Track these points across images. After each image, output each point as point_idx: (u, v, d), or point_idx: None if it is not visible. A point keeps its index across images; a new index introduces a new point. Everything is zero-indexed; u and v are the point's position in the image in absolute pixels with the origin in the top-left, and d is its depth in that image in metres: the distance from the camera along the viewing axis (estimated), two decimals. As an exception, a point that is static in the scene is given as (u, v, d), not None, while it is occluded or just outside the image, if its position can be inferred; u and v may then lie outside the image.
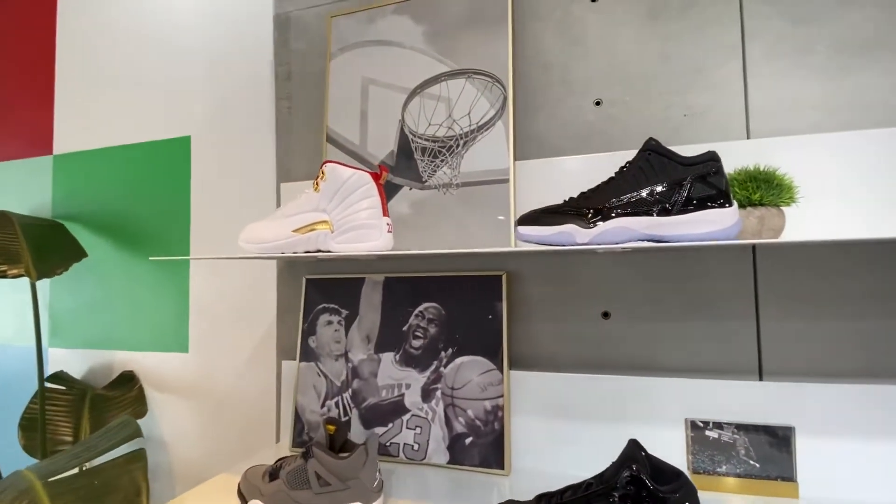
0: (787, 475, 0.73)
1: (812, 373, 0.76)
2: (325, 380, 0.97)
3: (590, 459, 0.82)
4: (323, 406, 0.96)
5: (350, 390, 0.95)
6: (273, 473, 0.70)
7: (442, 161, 0.92)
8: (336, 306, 0.99)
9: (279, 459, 0.74)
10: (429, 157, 0.93)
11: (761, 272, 0.78)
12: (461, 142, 0.91)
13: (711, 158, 0.53)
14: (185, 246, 1.24)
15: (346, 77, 1.02)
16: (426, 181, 0.92)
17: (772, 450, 0.74)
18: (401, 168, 0.95)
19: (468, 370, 0.88)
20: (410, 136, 0.95)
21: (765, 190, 0.62)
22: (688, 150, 0.81)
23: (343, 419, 0.94)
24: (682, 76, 0.84)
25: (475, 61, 0.92)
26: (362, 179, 0.64)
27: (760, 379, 0.78)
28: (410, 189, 0.94)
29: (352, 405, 0.94)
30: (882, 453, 0.70)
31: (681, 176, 0.51)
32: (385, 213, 0.65)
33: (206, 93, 1.24)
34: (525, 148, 0.91)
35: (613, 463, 0.55)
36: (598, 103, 0.88)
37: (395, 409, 0.91)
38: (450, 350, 0.90)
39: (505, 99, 0.89)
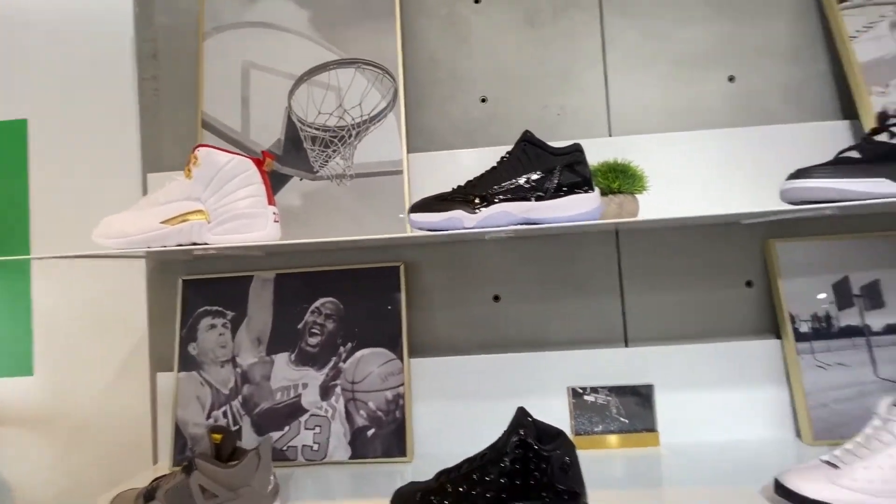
0: (649, 426, 0.85)
1: (667, 337, 0.88)
2: (210, 389, 0.89)
3: (489, 435, 0.86)
4: (209, 417, 0.88)
5: (240, 397, 0.88)
6: (148, 495, 0.62)
7: (334, 151, 0.89)
8: (220, 308, 0.91)
9: (155, 479, 0.66)
10: (320, 146, 0.90)
11: (624, 253, 0.90)
12: (354, 132, 0.89)
13: (576, 149, 0.59)
14: (24, 245, 1.04)
15: (223, 59, 0.94)
16: (318, 171, 0.89)
17: (637, 406, 0.85)
18: (289, 157, 0.90)
19: (368, 362, 0.87)
20: (299, 125, 0.91)
21: (622, 180, 0.71)
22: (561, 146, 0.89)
23: (233, 428, 0.87)
24: (555, 79, 0.92)
25: (365, 52, 0.91)
26: (242, 165, 0.60)
27: (626, 345, 0.89)
28: (301, 180, 0.90)
29: (242, 413, 0.87)
30: (722, 399, 0.85)
31: (552, 165, 0.57)
32: (271, 201, 0.62)
33: (46, 70, 1.05)
34: (417, 141, 0.93)
35: (504, 431, 0.58)
36: (483, 100, 0.93)
37: (291, 412, 0.87)
38: (349, 344, 0.88)
39: (396, 91, 0.89)
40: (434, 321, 0.91)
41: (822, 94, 0.89)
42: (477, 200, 0.55)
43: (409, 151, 0.92)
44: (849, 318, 0.83)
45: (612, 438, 0.84)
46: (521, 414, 0.58)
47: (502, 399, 0.87)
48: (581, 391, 0.86)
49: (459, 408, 0.88)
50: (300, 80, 0.91)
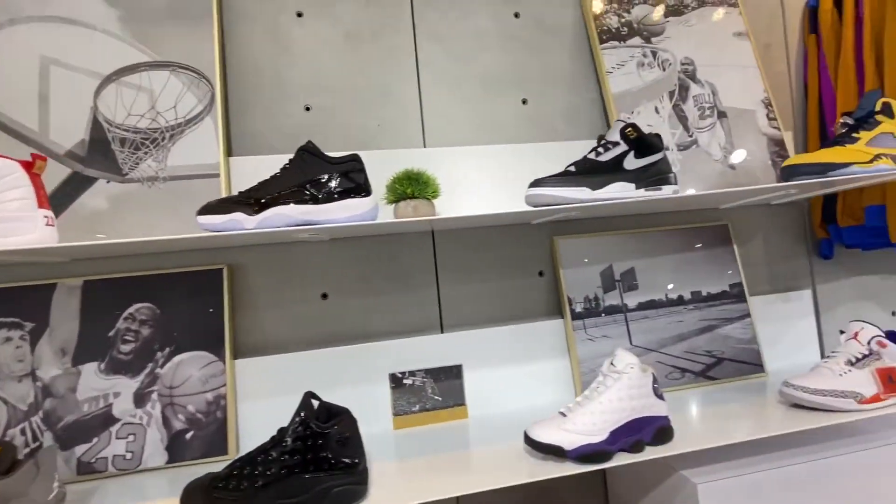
0: (459, 402, 0.97)
1: (475, 322, 1.01)
2: (5, 406, 0.82)
3: (313, 426, 0.92)
4: (3, 436, 0.81)
5: (41, 412, 0.83)
6: None
7: (146, 153, 0.88)
8: (17, 320, 0.85)
9: None
10: (130, 148, 0.88)
11: (439, 251, 1.01)
12: (167, 134, 0.89)
13: (353, 159, 0.68)
14: None
15: (17, 53, 0.87)
16: (127, 174, 0.88)
17: (448, 384, 0.97)
18: (95, 159, 0.87)
19: (188, 366, 0.87)
20: (106, 126, 0.88)
21: (415, 186, 0.81)
22: (382, 155, 0.98)
23: (33, 445, 0.82)
24: (375, 93, 1.00)
25: (179, 55, 0.91)
26: (7, 168, 0.58)
27: (442, 332, 1.00)
28: (108, 182, 0.87)
29: (44, 428, 0.82)
30: (521, 373, 1.00)
31: (328, 172, 0.64)
32: (43, 205, 0.60)
33: None
34: (241, 144, 0.95)
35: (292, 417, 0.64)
36: (307, 108, 0.98)
37: (101, 422, 0.84)
38: (167, 349, 0.87)
39: (213, 95, 0.91)
40: (261, 321, 0.94)
41: (593, 116, 1.09)
42: (256, 203, 0.60)
43: (231, 155, 0.94)
44: (612, 298, 1.03)
45: (427, 415, 0.95)
46: (306, 398, 0.65)
47: (329, 390, 0.93)
48: (400, 376, 0.95)
49: (287, 403, 0.92)
50: (108, 80, 0.89)
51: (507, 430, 0.86)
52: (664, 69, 1.05)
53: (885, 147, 0.88)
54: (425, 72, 1.02)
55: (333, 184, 0.63)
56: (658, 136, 0.78)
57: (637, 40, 1.06)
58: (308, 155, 0.64)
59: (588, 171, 0.72)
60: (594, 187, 0.70)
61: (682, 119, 1.03)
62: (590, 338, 1.01)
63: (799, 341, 1.13)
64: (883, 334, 0.82)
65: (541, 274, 1.05)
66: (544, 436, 0.69)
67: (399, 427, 0.94)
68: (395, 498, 0.64)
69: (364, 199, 0.65)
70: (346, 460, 0.63)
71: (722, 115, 1.05)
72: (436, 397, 0.96)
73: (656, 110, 1.02)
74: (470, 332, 0.99)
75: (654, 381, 0.74)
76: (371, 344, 0.96)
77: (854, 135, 0.87)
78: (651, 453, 0.70)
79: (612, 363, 0.75)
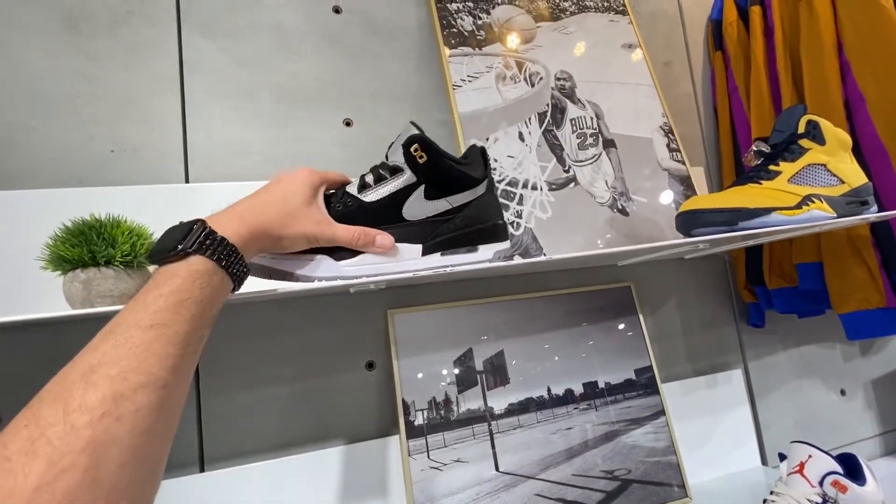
0: (216, 591, 0.59)
1: (256, 450, 0.66)
2: None
3: None
4: None
5: None
6: None
7: None
8: None
9: None
10: None
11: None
12: None
13: None
14: None
15: None
16: None
17: (199, 563, 0.59)
18: None
19: None
20: None
21: (92, 245, 0.47)
22: (116, 192, 0.64)
23: None
24: (110, 104, 0.68)
25: None
26: None
27: (202, 471, 0.64)
28: None
29: None
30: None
31: None
32: None
33: None
34: None
35: None
36: (-10, 126, 0.64)
37: None
38: None
39: None
40: None
41: (444, 142, 0.80)
42: None
43: None
44: (470, 400, 0.71)
45: None
46: None
47: None
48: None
49: None
50: None
51: None
52: (532, 84, 0.79)
53: (816, 185, 0.63)
54: (193, 78, 0.71)
55: None
56: (482, 150, 0.50)
57: (497, 47, 0.80)
58: None
59: (344, 220, 0.42)
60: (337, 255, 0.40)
61: (556, 148, 0.76)
62: (435, 465, 0.67)
63: (732, 441, 0.84)
64: (839, 469, 0.53)
65: (370, 366, 0.72)
66: None
67: None
68: None
69: None
70: None
71: (609, 143, 0.79)
72: (174, 588, 0.58)
73: (520, 137, 0.75)
74: (245, 469, 0.63)
75: None
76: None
77: (772, 167, 0.62)
78: None
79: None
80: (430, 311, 0.74)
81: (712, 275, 0.92)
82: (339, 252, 0.44)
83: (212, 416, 0.65)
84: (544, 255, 0.69)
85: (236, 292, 0.42)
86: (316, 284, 0.44)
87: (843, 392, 0.97)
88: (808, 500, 0.52)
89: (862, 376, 0.99)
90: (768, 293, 0.83)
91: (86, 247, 0.48)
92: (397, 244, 0.44)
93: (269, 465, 0.64)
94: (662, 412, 0.78)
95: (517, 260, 0.63)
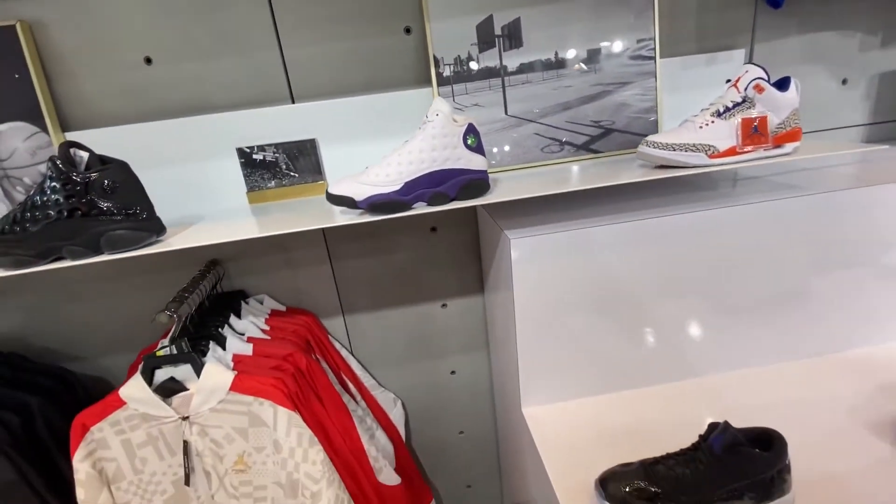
0: (317, 178, 0.92)
1: (329, 92, 0.90)
2: None
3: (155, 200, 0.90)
4: None
5: None
6: None
7: None
8: None
9: None
10: None
11: (274, 1, 0.84)
12: None
13: None
14: None
15: None
16: None
17: (304, 160, 0.91)
18: None
19: (11, 138, 0.82)
20: None
21: None
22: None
23: None
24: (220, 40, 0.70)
25: None
26: None
27: (293, 102, 0.90)
28: None
29: None
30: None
31: None
32: None
33: None
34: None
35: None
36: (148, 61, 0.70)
37: (-61, 195, 0.83)
38: (-18, 120, 0.81)
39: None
40: (81, 91, 0.85)
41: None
42: None
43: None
44: (489, 59, 0.88)
45: (283, 190, 0.92)
46: (63, 147, 0.60)
47: (168, 166, 0.89)
48: (248, 151, 0.89)
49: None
50: None
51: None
52: None
53: None
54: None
55: None
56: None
57: None
58: None
59: None
60: None
61: None
62: (458, 107, 0.90)
63: (714, 112, 0.99)
64: (765, 77, 0.68)
65: (407, 31, 0.88)
66: (339, 189, 0.65)
67: (255, 202, 0.92)
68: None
69: None
70: (127, 210, 0.61)
71: None
72: (291, 174, 0.91)
73: None
74: (324, 104, 0.89)
75: (470, 132, 0.66)
76: (211, 116, 0.87)
77: None
78: (453, 205, 0.66)
79: (426, 115, 0.66)
80: (457, -22, 0.84)
81: (745, -50, 0.91)
82: None
83: (294, 63, 0.87)
84: None
85: None
86: None
87: (844, 81, 1.04)
88: (732, 100, 0.68)
89: (870, 68, 1.04)
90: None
91: None
92: None
93: (338, 102, 0.89)
94: (653, 76, 0.92)
95: None
